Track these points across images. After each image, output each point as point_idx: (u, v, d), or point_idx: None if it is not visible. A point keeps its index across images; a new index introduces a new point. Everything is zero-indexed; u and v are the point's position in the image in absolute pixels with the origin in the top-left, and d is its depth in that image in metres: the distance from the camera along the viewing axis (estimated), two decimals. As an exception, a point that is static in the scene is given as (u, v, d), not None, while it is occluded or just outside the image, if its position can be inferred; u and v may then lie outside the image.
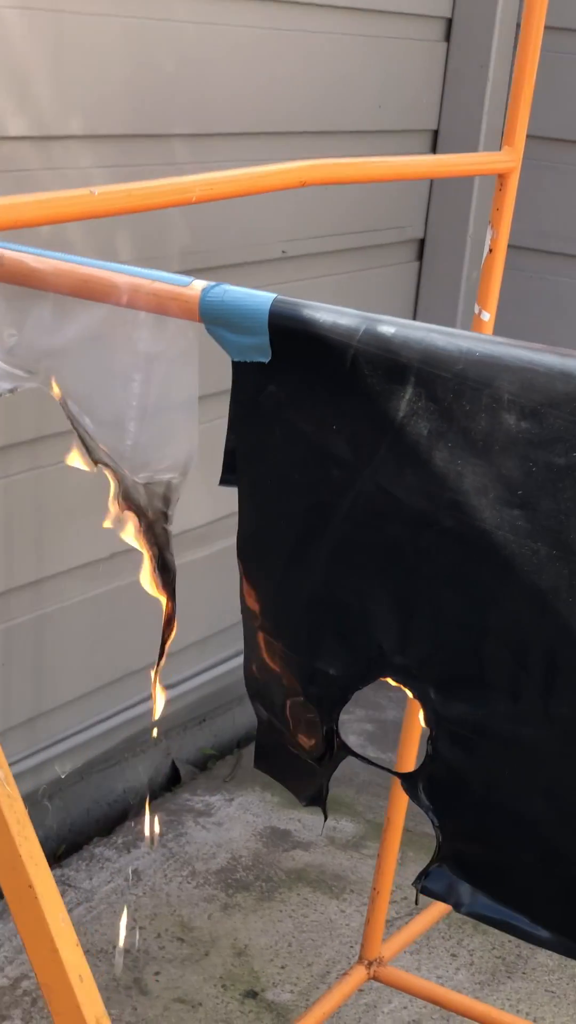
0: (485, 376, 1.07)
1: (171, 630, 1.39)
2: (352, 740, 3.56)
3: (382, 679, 1.25)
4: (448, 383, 1.09)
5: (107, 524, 1.38)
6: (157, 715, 1.52)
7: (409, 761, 2.28)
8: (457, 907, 1.33)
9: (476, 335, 1.08)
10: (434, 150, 3.62)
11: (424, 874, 1.32)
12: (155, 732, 1.59)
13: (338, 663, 1.28)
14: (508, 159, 2.05)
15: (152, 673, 1.46)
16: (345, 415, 1.16)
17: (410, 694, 1.23)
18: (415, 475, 1.14)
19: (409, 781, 1.29)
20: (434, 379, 1.09)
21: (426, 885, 1.32)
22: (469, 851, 1.31)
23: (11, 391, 1.33)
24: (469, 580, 1.15)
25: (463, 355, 1.07)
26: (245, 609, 1.35)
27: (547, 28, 2.22)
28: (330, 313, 1.14)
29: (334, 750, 1.37)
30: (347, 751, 1.37)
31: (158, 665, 1.42)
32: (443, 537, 1.15)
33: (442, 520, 1.14)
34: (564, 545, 1.09)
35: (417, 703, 1.22)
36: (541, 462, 1.07)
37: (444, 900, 1.33)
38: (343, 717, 3.64)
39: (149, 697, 3.21)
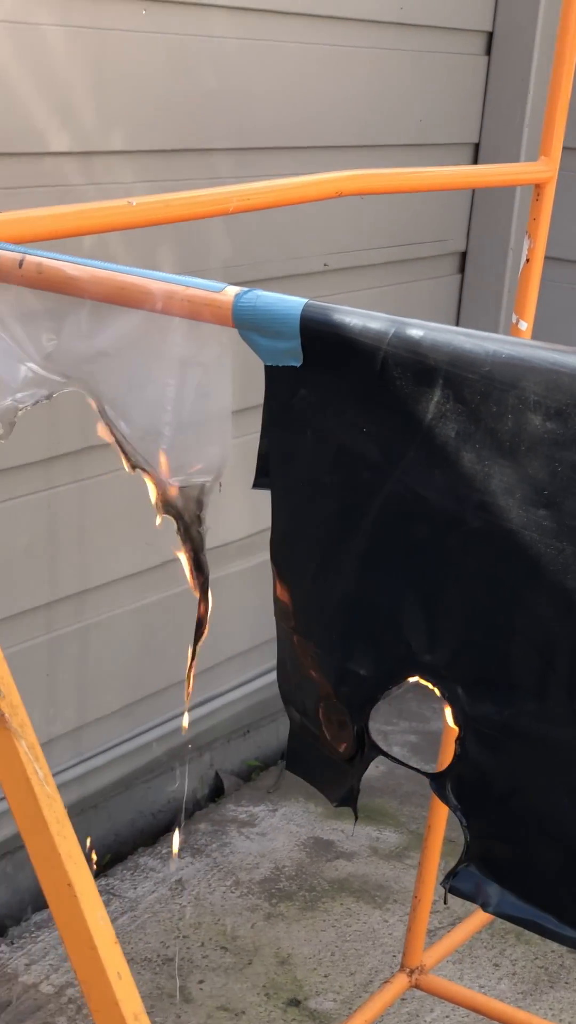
0: (511, 377, 1.08)
1: (203, 630, 1.41)
2: (396, 752, 3.57)
3: (412, 679, 1.27)
4: (475, 385, 1.10)
5: (159, 523, 1.40)
6: (188, 706, 1.54)
7: (444, 762, 2.29)
8: (485, 907, 1.33)
9: (503, 337, 1.10)
10: (476, 162, 3.64)
11: (452, 874, 1.33)
12: (185, 723, 1.61)
13: (368, 663, 1.29)
14: (544, 169, 2.06)
15: (187, 671, 1.48)
16: (375, 417, 1.18)
17: (439, 693, 1.24)
18: (443, 476, 1.15)
19: (438, 781, 1.30)
20: (462, 381, 1.11)
21: (454, 885, 1.33)
22: (496, 851, 1.31)
23: (47, 397, 1.36)
24: (496, 580, 1.17)
25: (490, 357, 1.09)
26: (278, 611, 1.37)
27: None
28: (360, 317, 1.15)
29: (365, 750, 1.38)
30: (377, 751, 1.38)
31: (191, 664, 1.44)
32: (471, 538, 1.16)
33: (470, 521, 1.15)
34: None
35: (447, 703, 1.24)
36: (567, 462, 1.09)
37: (472, 900, 1.34)
38: (387, 728, 3.65)
39: (192, 707, 3.23)
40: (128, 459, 1.36)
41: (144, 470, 1.36)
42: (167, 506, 1.38)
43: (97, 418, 1.36)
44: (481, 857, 1.32)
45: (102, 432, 1.37)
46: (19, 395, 1.33)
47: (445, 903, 1.40)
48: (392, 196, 3.25)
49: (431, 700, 3.79)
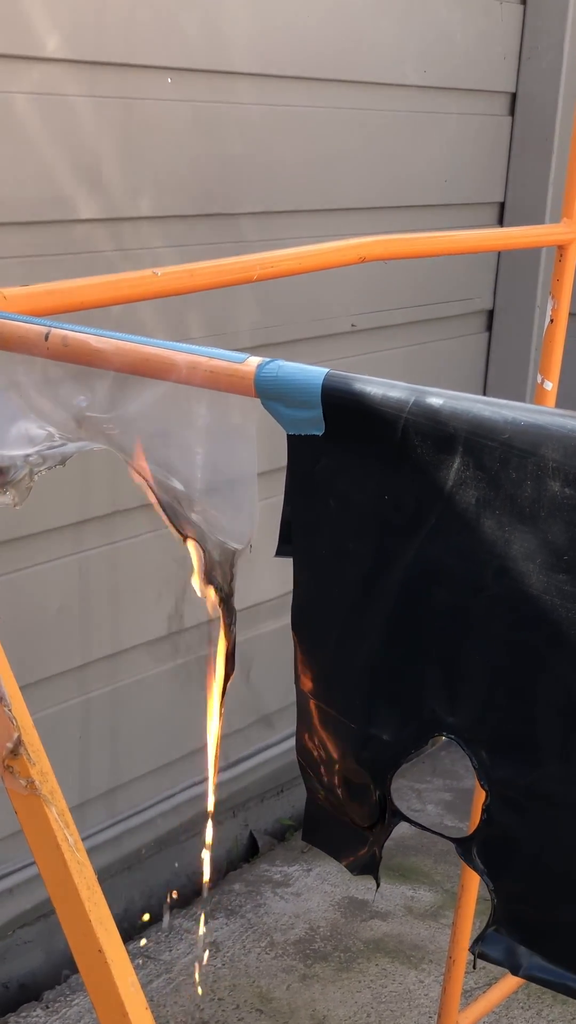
0: (530, 444, 1.09)
1: (231, 669, 1.43)
2: (430, 809, 3.56)
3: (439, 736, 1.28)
4: (495, 452, 1.11)
5: (200, 593, 1.42)
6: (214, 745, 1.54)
7: (473, 826, 2.29)
8: (514, 970, 1.33)
9: (521, 405, 1.11)
10: (501, 222, 3.66)
11: (480, 938, 1.33)
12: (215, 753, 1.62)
13: (391, 728, 1.30)
14: (567, 231, 2.08)
15: (215, 709, 1.49)
16: (396, 485, 1.19)
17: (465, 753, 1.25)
18: (465, 542, 1.16)
19: (463, 845, 1.30)
20: (481, 448, 1.12)
21: (483, 950, 1.33)
22: (524, 913, 1.31)
23: (62, 463, 1.37)
24: (518, 644, 1.17)
25: (508, 424, 1.10)
26: (298, 680, 1.38)
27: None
28: (381, 386, 1.17)
29: (387, 817, 1.38)
30: (400, 817, 1.38)
31: (221, 699, 1.45)
32: (492, 603, 1.17)
33: (491, 586, 1.16)
34: None
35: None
36: (586, 527, 1.10)
37: (501, 964, 1.33)
38: (420, 786, 3.64)
39: (225, 768, 3.23)
40: (176, 526, 1.37)
41: (194, 539, 1.37)
42: (209, 576, 1.39)
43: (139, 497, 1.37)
44: (509, 920, 1.31)
45: (153, 501, 1.39)
46: (32, 457, 1.35)
47: (474, 967, 1.40)
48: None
49: (464, 758, 3.78)
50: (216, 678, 1.46)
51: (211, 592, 1.41)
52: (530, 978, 1.32)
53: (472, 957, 1.35)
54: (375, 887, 3.15)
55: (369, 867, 1.46)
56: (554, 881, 1.26)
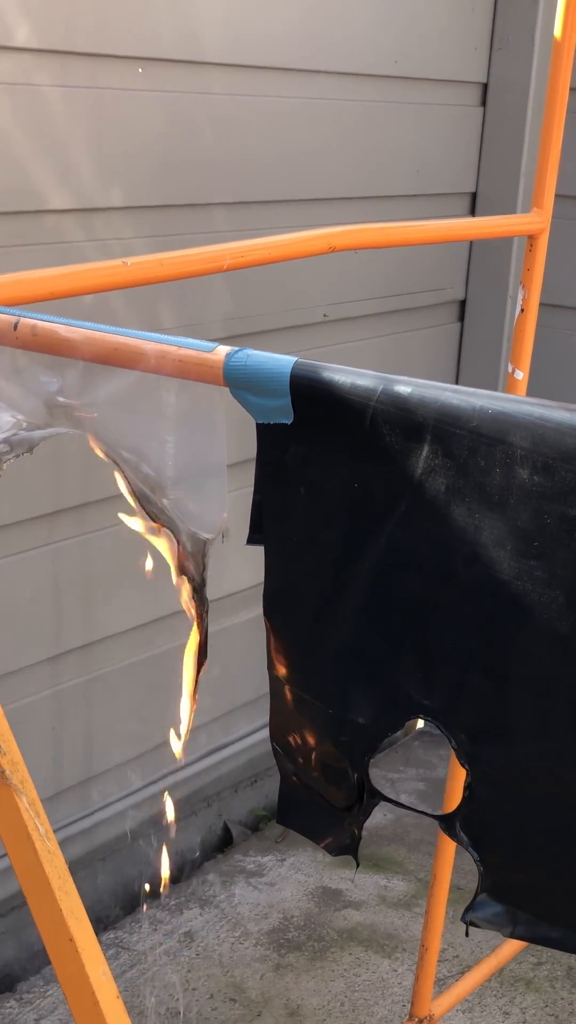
0: (498, 432, 1.10)
1: (204, 659, 1.43)
2: (404, 799, 3.57)
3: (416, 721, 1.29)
4: (463, 440, 1.12)
5: (176, 582, 1.42)
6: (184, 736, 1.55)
7: (454, 801, 2.30)
8: (506, 932, 1.36)
9: (489, 393, 1.11)
10: (473, 211, 3.67)
11: (469, 907, 1.36)
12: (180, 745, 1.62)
13: (368, 712, 1.31)
14: (537, 220, 2.09)
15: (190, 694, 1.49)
16: (366, 473, 1.20)
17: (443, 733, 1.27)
18: (435, 530, 1.17)
19: (447, 821, 1.32)
20: (450, 436, 1.12)
21: (474, 918, 1.36)
22: (509, 879, 1.34)
23: (29, 451, 1.37)
24: (491, 629, 1.18)
25: (477, 412, 1.10)
26: (272, 666, 1.39)
27: (575, 90, 2.27)
28: (349, 375, 1.17)
29: (365, 798, 1.39)
30: (379, 797, 1.40)
31: (193, 689, 1.45)
32: (464, 588, 1.18)
33: (462, 572, 1.17)
34: None
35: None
36: (555, 514, 1.10)
37: (492, 928, 1.36)
38: (394, 775, 3.65)
39: (200, 758, 3.24)
40: (149, 513, 1.37)
41: (166, 526, 1.37)
42: (182, 566, 1.40)
43: (115, 471, 1.37)
44: (496, 887, 1.34)
45: (127, 494, 1.38)
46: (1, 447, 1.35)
47: (467, 935, 1.42)
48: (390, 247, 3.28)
49: (437, 747, 3.79)
50: (188, 668, 1.46)
51: (185, 582, 1.41)
52: (522, 937, 1.36)
53: (451, 941, 1.36)
54: (352, 875, 3.16)
55: (348, 848, 1.48)
56: (536, 849, 1.28)
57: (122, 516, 1.42)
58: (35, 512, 2.63)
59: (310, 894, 3.17)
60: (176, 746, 1.54)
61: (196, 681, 1.47)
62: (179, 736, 1.51)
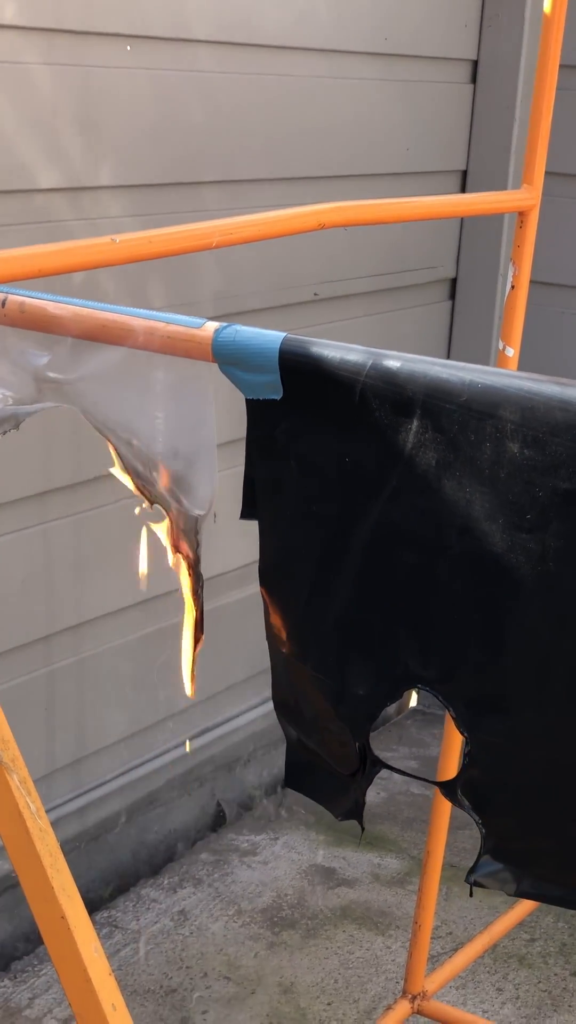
0: (488, 406, 1.10)
1: (201, 635, 1.43)
2: (396, 777, 3.57)
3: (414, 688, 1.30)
4: (453, 414, 1.12)
5: (172, 562, 1.42)
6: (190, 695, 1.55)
7: (448, 771, 2.30)
8: (508, 891, 1.38)
9: (479, 367, 1.11)
10: (464, 189, 3.66)
11: (473, 869, 1.37)
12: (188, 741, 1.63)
13: (366, 683, 1.31)
14: (527, 197, 2.08)
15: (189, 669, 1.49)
16: (356, 447, 1.20)
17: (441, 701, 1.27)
18: (426, 503, 1.17)
19: (448, 788, 1.33)
20: (439, 411, 1.12)
21: (477, 879, 1.37)
22: (511, 842, 1.35)
23: (16, 427, 1.37)
24: (486, 601, 1.18)
25: (466, 387, 1.10)
26: (270, 635, 1.39)
27: (564, 67, 2.26)
28: (338, 350, 1.17)
29: (367, 765, 1.40)
30: (381, 765, 1.40)
31: (192, 666, 1.45)
32: (457, 562, 1.18)
33: (454, 545, 1.17)
34: (574, 563, 1.13)
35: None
36: (546, 487, 1.10)
37: (496, 887, 1.38)
38: (387, 754, 3.66)
39: (192, 737, 3.24)
40: (146, 492, 1.37)
41: (163, 503, 1.37)
42: (176, 544, 1.39)
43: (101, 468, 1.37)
44: (497, 849, 1.35)
45: (120, 473, 1.38)
46: None
47: (471, 896, 1.44)
48: (380, 224, 3.27)
49: (430, 726, 3.80)
50: (185, 645, 1.46)
51: (180, 559, 1.41)
52: (524, 894, 1.38)
53: (444, 919, 1.37)
54: (345, 853, 3.16)
55: (353, 813, 1.49)
56: (537, 811, 1.30)
57: (114, 471, 1.41)
58: (26, 492, 2.63)
59: (303, 872, 3.18)
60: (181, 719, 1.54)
61: (194, 660, 1.47)
62: (187, 683, 1.50)
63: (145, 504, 1.39)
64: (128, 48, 2.58)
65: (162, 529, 1.40)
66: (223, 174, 2.89)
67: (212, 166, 2.86)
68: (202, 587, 1.43)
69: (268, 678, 3.38)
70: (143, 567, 1.55)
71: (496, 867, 1.38)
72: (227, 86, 2.83)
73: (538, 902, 1.42)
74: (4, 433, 1.37)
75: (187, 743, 3.07)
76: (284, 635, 1.38)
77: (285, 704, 1.46)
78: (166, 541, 1.40)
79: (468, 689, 1.26)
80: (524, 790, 1.31)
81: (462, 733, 1.28)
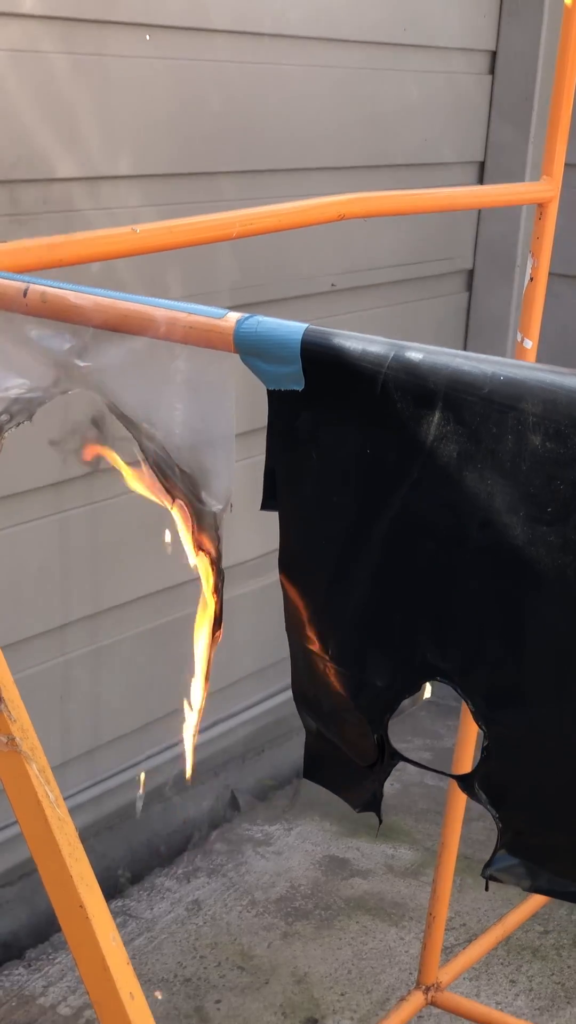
0: (510, 399, 1.09)
1: (219, 630, 1.43)
2: (411, 768, 3.57)
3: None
4: (475, 406, 1.11)
5: (193, 565, 1.42)
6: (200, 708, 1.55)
7: (464, 764, 2.31)
8: (524, 886, 1.38)
9: (501, 359, 1.11)
10: (481, 181, 3.66)
11: (489, 863, 1.37)
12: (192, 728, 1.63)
13: (385, 674, 1.31)
14: (547, 188, 2.08)
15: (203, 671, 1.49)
16: (378, 439, 1.19)
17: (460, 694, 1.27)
18: (448, 496, 1.17)
19: (465, 781, 1.33)
20: (461, 403, 1.12)
21: (493, 873, 1.37)
22: (528, 837, 1.35)
23: (29, 418, 1.36)
24: (506, 595, 1.18)
25: (488, 379, 1.10)
26: (290, 626, 1.39)
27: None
28: (360, 341, 1.16)
29: (386, 757, 1.40)
30: (399, 757, 1.40)
31: (207, 663, 1.45)
32: (477, 554, 1.18)
33: (475, 538, 1.17)
34: None
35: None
36: (568, 480, 1.10)
37: (512, 881, 1.37)
38: (401, 746, 3.66)
39: (206, 728, 3.24)
40: (167, 488, 1.36)
41: (183, 500, 1.36)
42: (198, 539, 1.39)
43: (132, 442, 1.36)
44: (514, 843, 1.35)
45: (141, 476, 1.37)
46: (2, 416, 1.35)
47: (487, 889, 1.44)
48: (398, 216, 3.27)
49: (444, 717, 3.80)
50: (202, 641, 1.46)
51: (201, 556, 1.41)
52: (540, 890, 1.37)
53: (457, 910, 1.38)
54: (359, 844, 3.16)
55: (371, 804, 1.49)
56: (555, 806, 1.30)
57: (130, 483, 1.40)
58: (42, 482, 2.63)
59: (317, 863, 3.18)
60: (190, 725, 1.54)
61: (210, 659, 1.47)
62: (192, 708, 1.50)
63: (166, 503, 1.38)
64: (147, 37, 2.58)
65: (183, 529, 1.39)
66: (240, 164, 2.89)
67: (229, 156, 2.86)
68: (223, 583, 1.43)
69: (282, 668, 3.39)
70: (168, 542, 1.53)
71: (512, 862, 1.38)
72: (245, 76, 2.83)
73: (555, 897, 1.41)
74: (18, 425, 1.37)
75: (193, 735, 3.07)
76: (304, 626, 1.38)
77: (304, 695, 1.46)
78: (188, 541, 1.40)
79: (487, 682, 1.25)
80: (542, 785, 1.31)
81: (480, 726, 1.28)
